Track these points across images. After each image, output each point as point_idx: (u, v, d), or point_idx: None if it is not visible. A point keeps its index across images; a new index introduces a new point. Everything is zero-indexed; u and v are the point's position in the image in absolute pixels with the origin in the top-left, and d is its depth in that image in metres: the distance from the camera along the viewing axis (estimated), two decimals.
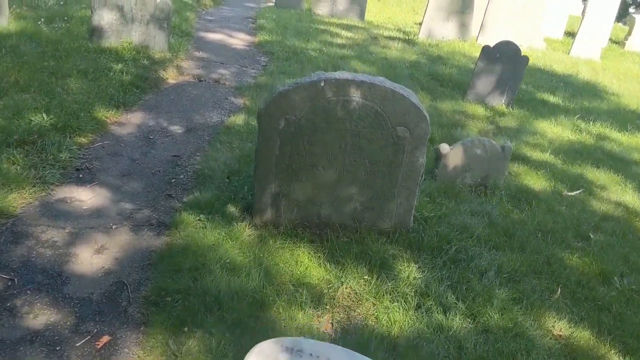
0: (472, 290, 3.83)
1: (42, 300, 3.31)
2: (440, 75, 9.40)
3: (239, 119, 6.40)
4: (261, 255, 3.83)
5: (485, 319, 3.61)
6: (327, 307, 3.53)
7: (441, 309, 3.63)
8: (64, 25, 8.22)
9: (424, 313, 3.57)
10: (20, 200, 4.24)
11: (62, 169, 4.81)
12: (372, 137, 3.95)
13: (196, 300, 3.35)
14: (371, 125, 3.91)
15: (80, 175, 4.80)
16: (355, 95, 3.80)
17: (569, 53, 14.20)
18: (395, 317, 3.48)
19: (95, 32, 7.58)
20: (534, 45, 13.59)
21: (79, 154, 5.11)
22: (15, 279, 3.45)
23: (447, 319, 3.55)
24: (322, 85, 3.77)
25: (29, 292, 3.37)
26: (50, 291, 3.40)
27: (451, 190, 5.17)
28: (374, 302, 3.62)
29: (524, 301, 3.86)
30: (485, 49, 8.05)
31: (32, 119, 5.22)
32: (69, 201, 4.38)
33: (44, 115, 5.30)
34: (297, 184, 4.09)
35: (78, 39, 7.59)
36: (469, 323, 3.57)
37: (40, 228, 3.97)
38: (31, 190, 4.39)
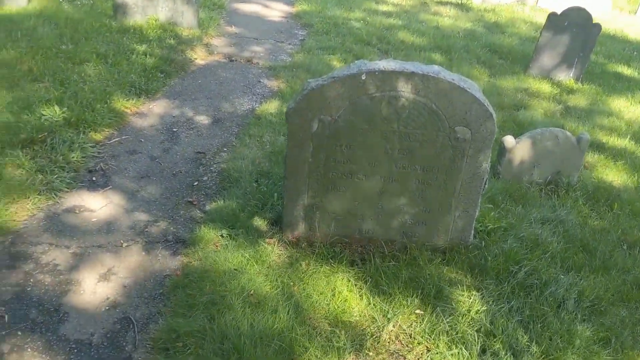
0: (548, 327, 3.13)
1: (33, 345, 2.80)
2: (499, 46, 8.46)
3: (271, 106, 5.75)
4: (291, 283, 3.22)
5: None
6: (370, 353, 2.90)
7: (511, 354, 2.95)
8: (87, 2, 7.68)
9: None
10: (22, 213, 3.74)
11: (74, 172, 4.29)
12: (425, 140, 3.24)
13: (212, 346, 2.78)
14: (424, 125, 3.19)
15: (93, 178, 4.27)
16: (405, 90, 3.09)
17: (635, 13, 12.84)
18: None
19: (119, 8, 7.01)
20: (598, 6, 12.32)
21: (93, 153, 4.57)
22: (6, 316, 2.95)
23: None
24: (364, 78, 3.06)
25: (19, 333, 2.86)
26: (44, 331, 2.88)
27: (517, 191, 4.41)
28: (428, 345, 2.97)
29: (612, 341, 3.13)
30: (552, 17, 7.09)
31: (44, 113, 4.70)
32: (77, 211, 3.85)
33: (57, 108, 4.77)
34: (333, 194, 3.44)
35: (101, 17, 7.04)
36: None
37: (41, 247, 3.46)
38: (36, 198, 3.88)
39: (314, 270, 3.33)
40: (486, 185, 3.50)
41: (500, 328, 3.07)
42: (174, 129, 5.16)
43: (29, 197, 3.87)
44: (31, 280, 3.20)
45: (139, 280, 3.29)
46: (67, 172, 4.25)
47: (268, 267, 3.33)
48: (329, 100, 3.13)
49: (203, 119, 5.42)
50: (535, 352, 2.98)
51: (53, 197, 3.96)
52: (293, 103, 3.19)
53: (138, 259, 3.46)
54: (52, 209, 3.85)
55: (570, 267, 3.62)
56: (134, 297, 3.16)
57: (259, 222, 3.71)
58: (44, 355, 2.75)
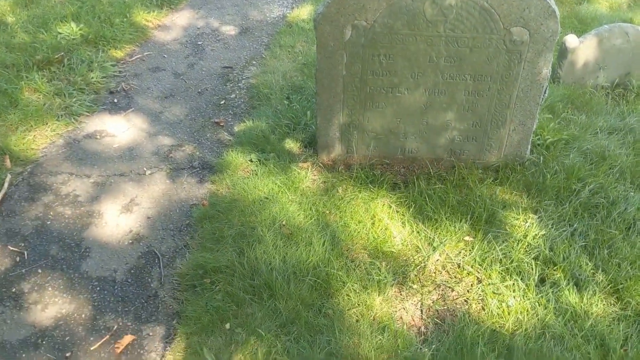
0: (616, 252, 2.78)
1: (54, 283, 2.65)
2: None
3: (303, 12, 5.26)
4: (327, 212, 2.93)
5: (638, 299, 2.59)
6: (415, 286, 2.63)
7: (573, 284, 2.64)
8: None
9: (550, 293, 2.59)
10: (41, 140, 3.53)
11: (94, 93, 4.03)
12: (475, 45, 2.79)
13: (241, 283, 2.56)
14: (475, 27, 2.73)
15: (115, 100, 4.00)
16: None
17: None
18: (510, 302, 2.54)
19: None
20: None
21: (114, 72, 4.28)
22: (26, 252, 2.79)
23: (584, 301, 2.56)
24: None
25: (39, 271, 2.71)
26: (65, 269, 2.72)
27: (580, 97, 3.92)
28: (479, 275, 2.68)
29: None
30: None
31: (60, 31, 4.39)
32: (98, 137, 3.62)
33: (73, 25, 4.45)
34: (372, 111, 3.07)
35: None
36: (615, 306, 2.57)
37: (61, 177, 3.26)
38: (55, 124, 3.66)
39: (352, 197, 3.02)
40: (546, 94, 3.05)
41: (561, 255, 2.74)
42: (199, 42, 4.78)
43: (47, 124, 3.64)
44: (51, 213, 3.02)
45: (163, 211, 3.07)
46: (87, 94, 3.99)
47: (301, 195, 3.05)
48: (363, 2, 2.69)
49: (230, 30, 5.01)
50: (602, 281, 2.65)
51: (73, 122, 3.72)
52: (322, 7, 2.76)
53: (162, 187, 3.23)
54: (72, 135, 3.63)
55: None
56: (159, 230, 2.95)
57: (291, 145, 3.39)
58: (65, 295, 2.60)
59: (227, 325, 2.42)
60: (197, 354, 2.31)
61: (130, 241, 2.88)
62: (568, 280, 2.65)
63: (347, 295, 2.55)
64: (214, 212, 2.96)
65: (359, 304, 2.52)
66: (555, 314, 2.51)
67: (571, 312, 2.51)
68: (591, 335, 2.42)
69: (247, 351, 2.30)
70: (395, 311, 2.53)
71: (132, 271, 2.73)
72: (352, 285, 2.57)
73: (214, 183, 3.22)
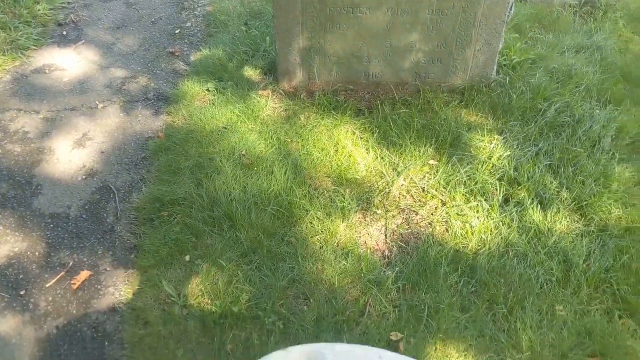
0: (581, 170, 2.76)
1: (5, 222, 2.54)
2: None
3: None
4: (288, 140, 2.84)
5: (602, 214, 2.59)
6: (379, 211, 2.59)
7: (538, 203, 2.62)
8: None
9: (514, 212, 2.57)
10: None
11: (41, 26, 3.80)
12: None
13: (200, 214, 2.49)
14: None
15: (64, 33, 3.78)
16: None
17: None
18: (474, 222, 2.52)
19: None
20: None
21: (62, 4, 4.03)
22: None
23: (547, 219, 2.55)
24: None
25: None
26: (16, 207, 2.61)
27: (547, 16, 3.82)
28: (443, 198, 2.64)
29: None
30: None
31: None
32: (47, 71, 3.43)
33: None
34: (333, 34, 2.93)
35: None
36: (579, 222, 2.57)
37: (9, 114, 3.10)
38: (1, 60, 3.45)
39: (314, 124, 2.93)
40: (512, 11, 2.94)
41: (526, 175, 2.71)
42: None
43: None
44: (0, 151, 2.87)
45: (118, 145, 2.94)
46: (34, 27, 3.76)
47: (262, 124, 2.94)
48: None
49: None
50: (566, 198, 2.64)
51: (20, 56, 3.52)
52: None
53: (116, 120, 3.08)
54: (19, 70, 3.43)
55: (608, 101, 3.16)
56: (114, 164, 2.84)
57: (250, 72, 3.25)
58: (17, 233, 2.50)
59: (187, 257, 2.36)
60: (157, 287, 2.26)
61: (84, 176, 2.77)
62: (532, 199, 2.63)
63: (310, 222, 2.49)
64: (170, 144, 2.85)
65: (322, 231, 2.47)
66: (518, 232, 2.50)
67: (535, 230, 2.50)
68: (554, 251, 2.42)
69: (207, 282, 2.25)
70: (359, 236, 2.49)
71: (87, 207, 2.62)
72: (315, 213, 2.52)
73: (170, 114, 3.09)
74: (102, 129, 3.02)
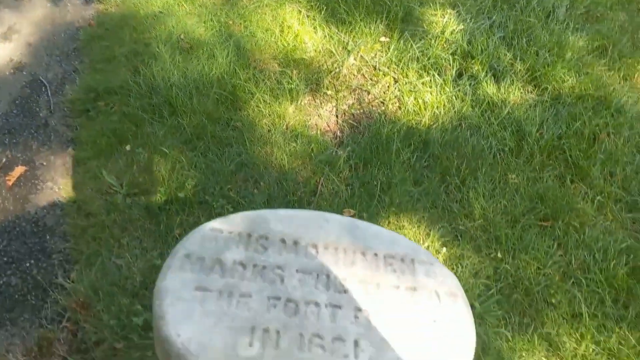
0: (535, 41, 2.69)
1: None
2: None
3: None
4: (230, 22, 2.66)
5: (556, 84, 2.54)
6: (329, 92, 2.48)
7: (492, 75, 2.55)
8: None
9: (467, 86, 2.50)
10: None
11: None
12: None
13: (139, 102, 2.35)
14: None
15: None
16: None
17: None
18: (427, 98, 2.44)
19: None
20: None
21: None
22: None
23: (501, 91, 2.49)
24: None
25: None
26: None
27: None
28: (395, 76, 2.54)
29: (608, 50, 2.72)
30: None
31: None
32: None
33: None
34: None
35: None
36: (532, 93, 2.52)
37: None
38: None
39: (257, 4, 2.75)
40: None
41: (480, 48, 2.62)
42: None
43: None
44: None
45: (47, 36, 2.72)
46: None
47: (200, 6, 2.75)
48: None
49: None
50: (520, 70, 2.58)
51: None
52: None
53: (43, 11, 2.84)
54: None
55: None
56: (43, 56, 2.63)
57: None
58: None
59: (127, 147, 2.24)
60: (97, 178, 2.15)
61: (12, 71, 2.56)
62: (486, 72, 2.56)
63: (257, 106, 2.38)
64: (103, 31, 2.65)
65: (270, 115, 2.36)
66: (472, 105, 2.44)
67: (488, 102, 2.44)
68: (508, 122, 2.38)
69: (150, 170, 2.15)
70: (310, 119, 2.40)
71: (17, 102, 2.45)
72: (262, 96, 2.40)
73: (101, 1, 2.85)
74: (29, 20, 2.78)
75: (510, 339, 1.79)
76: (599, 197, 2.19)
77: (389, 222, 2.05)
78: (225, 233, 1.18)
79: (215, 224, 1.20)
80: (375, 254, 1.21)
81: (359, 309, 1.10)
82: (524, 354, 1.77)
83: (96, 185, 2.13)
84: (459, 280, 1.88)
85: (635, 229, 2.15)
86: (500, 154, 2.28)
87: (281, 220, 1.23)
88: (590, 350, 1.80)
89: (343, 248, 1.20)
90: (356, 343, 1.05)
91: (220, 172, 2.13)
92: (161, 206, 2.02)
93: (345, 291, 1.13)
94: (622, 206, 2.20)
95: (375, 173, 2.18)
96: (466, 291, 1.81)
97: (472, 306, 1.79)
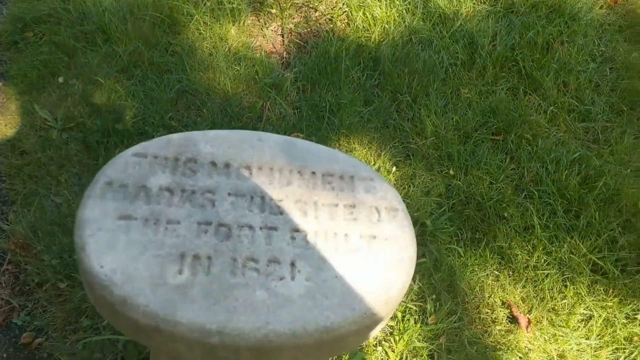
0: None
1: None
2: None
3: None
4: None
5: None
6: (274, 11, 2.35)
7: None
8: None
9: None
10: None
11: None
12: None
13: (70, 31, 2.19)
14: None
15: None
16: None
17: None
18: (376, 12, 2.33)
19: None
20: None
21: None
22: None
23: (453, 2, 2.40)
24: None
25: None
26: None
27: None
28: None
29: None
30: None
31: None
32: None
33: None
34: None
35: None
36: (485, 4, 2.43)
37: None
38: None
39: None
40: None
41: None
42: None
43: None
44: None
45: None
46: None
47: None
48: None
49: None
50: None
51: None
52: None
53: None
54: None
55: None
56: None
57: None
58: None
59: (60, 79, 2.10)
60: (30, 113, 2.02)
61: None
62: None
63: (197, 29, 2.25)
64: None
65: (211, 37, 2.23)
66: (423, 19, 2.35)
67: (439, 15, 2.35)
68: (460, 35, 2.30)
69: (85, 102, 2.03)
70: (253, 40, 2.28)
71: None
72: (202, 18, 2.26)
73: None
74: None
75: (463, 254, 1.79)
76: (552, 108, 2.16)
77: (339, 145, 1.99)
78: (149, 158, 1.10)
79: (139, 148, 1.12)
80: (313, 173, 1.15)
81: (295, 230, 1.05)
82: (476, 269, 1.77)
83: (29, 121, 2.01)
84: (410, 200, 1.85)
85: (588, 138, 2.14)
86: (452, 69, 2.21)
87: (211, 142, 1.16)
88: (542, 261, 1.81)
89: (278, 168, 1.14)
90: (293, 264, 1.00)
91: (160, 101, 2.02)
92: (99, 139, 1.92)
93: (281, 212, 1.07)
94: (575, 116, 2.18)
95: (323, 94, 2.10)
96: (418, 210, 1.79)
97: (424, 224, 1.77)
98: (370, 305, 0.96)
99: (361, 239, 1.06)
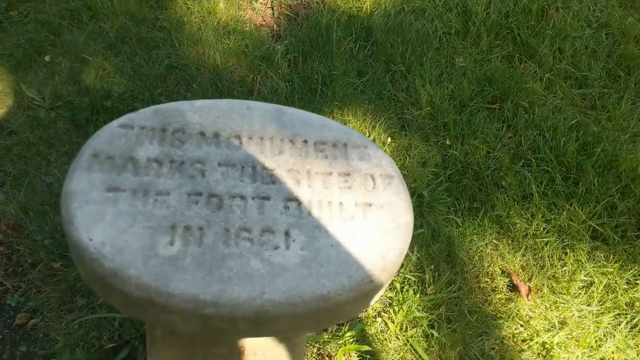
0: None
1: None
2: None
3: None
4: None
5: None
6: None
7: None
8: None
9: None
10: None
11: None
12: None
13: (55, 8, 2.14)
14: None
15: None
16: None
17: None
18: None
19: None
20: None
21: None
22: None
23: None
24: None
25: None
26: None
27: None
28: None
29: None
30: None
31: None
32: None
33: None
34: None
35: None
36: None
37: None
38: None
39: None
40: None
41: None
42: None
43: None
44: None
45: None
46: None
47: None
48: None
49: None
50: None
51: None
52: None
53: None
54: None
55: None
56: None
57: None
58: None
59: (47, 58, 2.05)
60: (17, 93, 1.98)
61: None
62: None
63: (185, 3, 2.20)
64: None
65: (199, 11, 2.18)
66: None
67: None
68: (453, 3, 2.26)
69: (73, 80, 1.98)
70: (243, 13, 2.23)
71: None
72: None
73: None
74: None
75: (461, 224, 1.77)
76: (548, 75, 2.12)
77: (333, 117, 1.96)
78: (136, 129, 1.07)
79: (125, 119, 1.08)
80: (305, 141, 1.12)
81: (289, 199, 1.02)
82: (474, 238, 1.75)
83: (17, 101, 1.97)
84: (407, 171, 1.83)
85: (585, 104, 2.11)
86: (446, 37, 2.17)
87: (199, 112, 1.12)
88: (541, 228, 1.79)
89: (269, 137, 1.11)
90: (287, 233, 0.98)
91: (149, 77, 1.98)
92: (88, 117, 1.88)
93: (274, 182, 1.04)
94: (572, 83, 2.15)
95: (315, 66, 2.06)
96: (414, 181, 1.77)
97: (421, 195, 1.75)
98: (367, 272, 0.94)
99: (356, 207, 1.03)
